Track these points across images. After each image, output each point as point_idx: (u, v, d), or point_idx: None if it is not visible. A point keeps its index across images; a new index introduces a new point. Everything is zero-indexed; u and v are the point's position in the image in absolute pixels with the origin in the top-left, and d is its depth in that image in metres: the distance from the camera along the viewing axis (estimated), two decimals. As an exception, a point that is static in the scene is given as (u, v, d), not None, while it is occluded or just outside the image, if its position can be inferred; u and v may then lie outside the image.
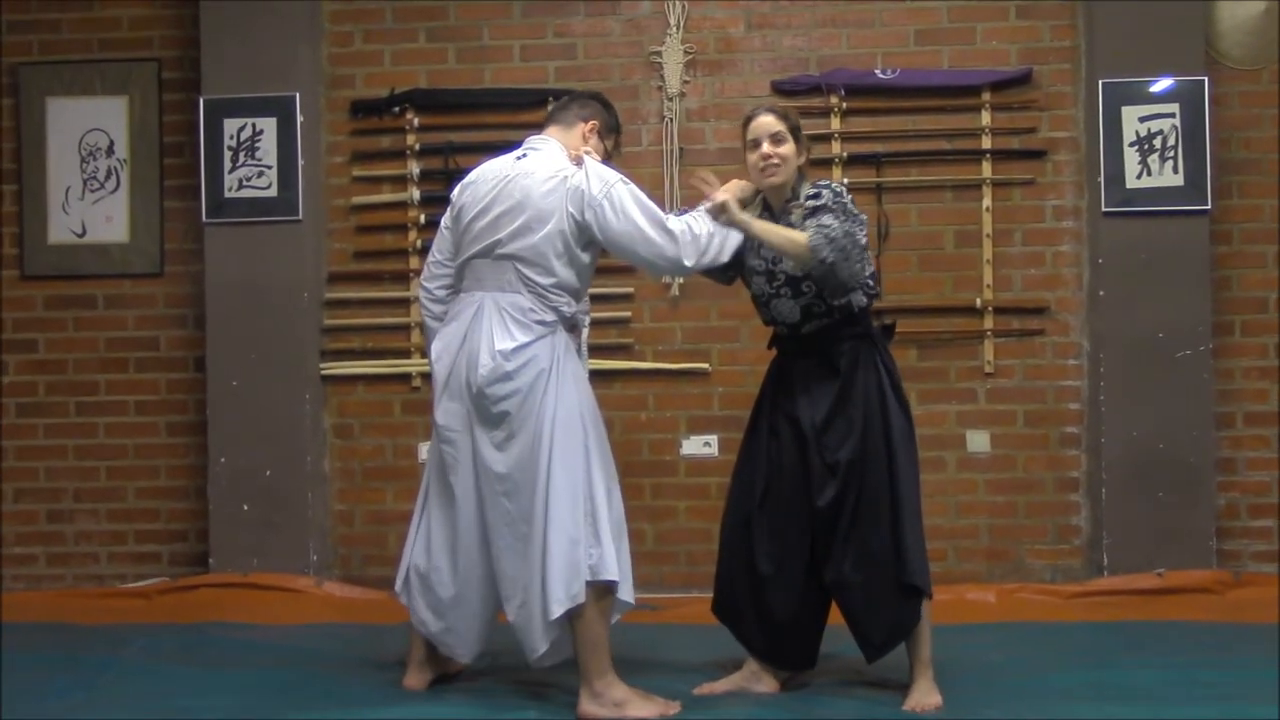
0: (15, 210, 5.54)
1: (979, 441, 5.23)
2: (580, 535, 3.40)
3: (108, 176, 5.50)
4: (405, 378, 5.36)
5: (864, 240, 3.54)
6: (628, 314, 5.30)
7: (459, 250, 3.64)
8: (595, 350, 5.17)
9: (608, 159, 3.74)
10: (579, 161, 3.53)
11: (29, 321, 5.55)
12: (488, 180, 3.60)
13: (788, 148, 3.62)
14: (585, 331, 3.70)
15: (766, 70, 5.30)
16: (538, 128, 3.86)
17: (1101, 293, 5.06)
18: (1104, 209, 5.03)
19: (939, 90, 5.20)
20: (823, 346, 3.61)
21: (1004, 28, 5.22)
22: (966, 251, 5.22)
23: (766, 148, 3.60)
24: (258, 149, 5.26)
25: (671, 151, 5.28)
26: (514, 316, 3.47)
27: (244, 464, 5.23)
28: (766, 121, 3.63)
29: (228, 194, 5.26)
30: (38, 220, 5.52)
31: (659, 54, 5.30)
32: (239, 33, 5.25)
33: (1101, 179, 5.03)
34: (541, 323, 3.47)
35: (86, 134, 5.51)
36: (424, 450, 5.24)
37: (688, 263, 3.50)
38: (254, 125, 5.25)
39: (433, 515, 3.61)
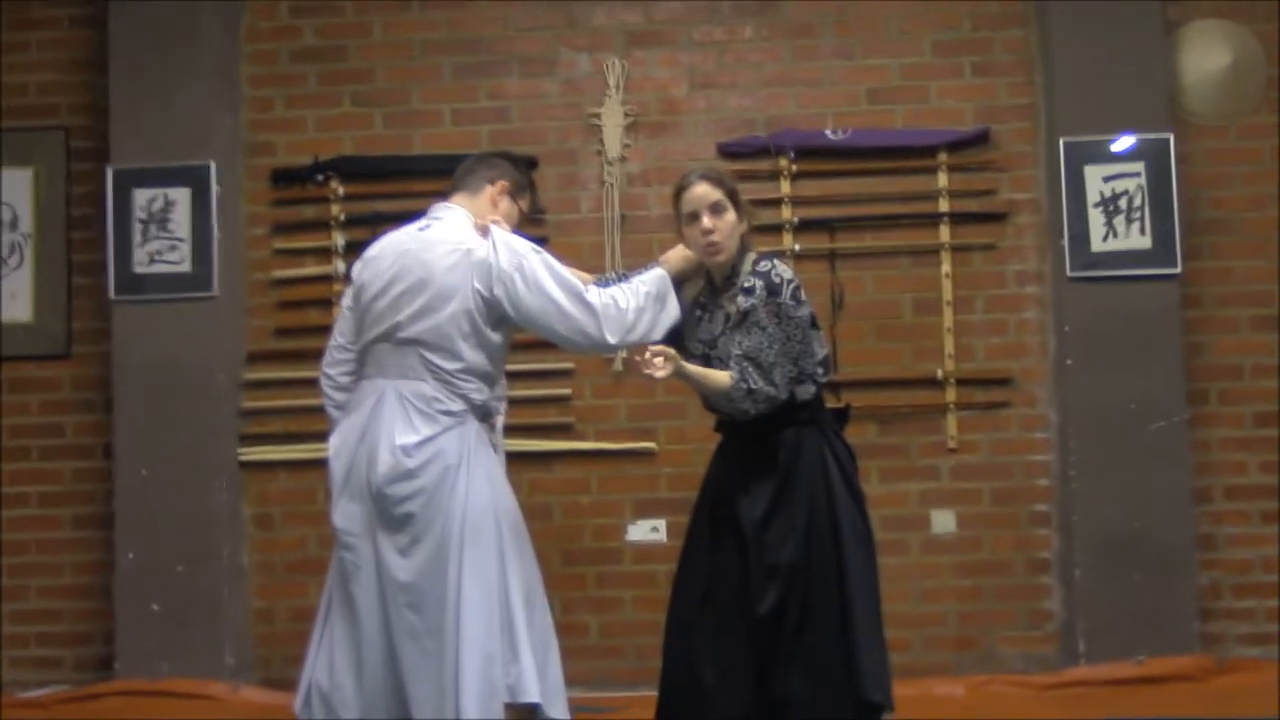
0: (-86, 290, 5.18)
1: (944, 522, 4.91)
2: (496, 651, 3.03)
3: (11, 252, 5.15)
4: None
5: (802, 337, 3.25)
6: (567, 391, 4.97)
7: (360, 333, 3.30)
8: (532, 430, 4.88)
9: (523, 222, 3.43)
10: (485, 231, 3.21)
11: (-75, 409, 5.17)
12: (388, 255, 3.27)
13: (729, 217, 3.31)
14: (500, 420, 3.35)
15: (711, 132, 5.03)
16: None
17: (1069, 362, 4.77)
18: (1069, 273, 4.76)
19: (893, 151, 4.94)
20: (763, 436, 3.29)
21: (959, 86, 4.98)
22: (926, 320, 4.93)
23: (707, 221, 3.29)
24: (170, 221, 4.93)
25: (612, 218, 4.98)
26: (417, 407, 3.12)
27: (154, 559, 4.84)
28: (702, 192, 3.31)
29: (137, 269, 4.92)
30: (-63, 300, 5.15)
31: (598, 116, 5.02)
32: (151, 99, 4.94)
33: (1065, 242, 4.76)
34: (448, 413, 3.13)
35: (-11, 207, 5.17)
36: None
37: (611, 339, 3.18)
38: (166, 196, 4.93)
39: (335, 628, 3.23)
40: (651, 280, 3.30)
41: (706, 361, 3.30)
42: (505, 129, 5.06)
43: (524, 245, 3.20)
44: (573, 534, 4.93)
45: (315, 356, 4.90)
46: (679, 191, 3.35)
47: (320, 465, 4.93)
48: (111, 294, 4.94)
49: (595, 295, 3.18)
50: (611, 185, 5.00)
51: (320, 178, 5.06)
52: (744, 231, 3.35)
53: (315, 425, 4.94)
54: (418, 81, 5.11)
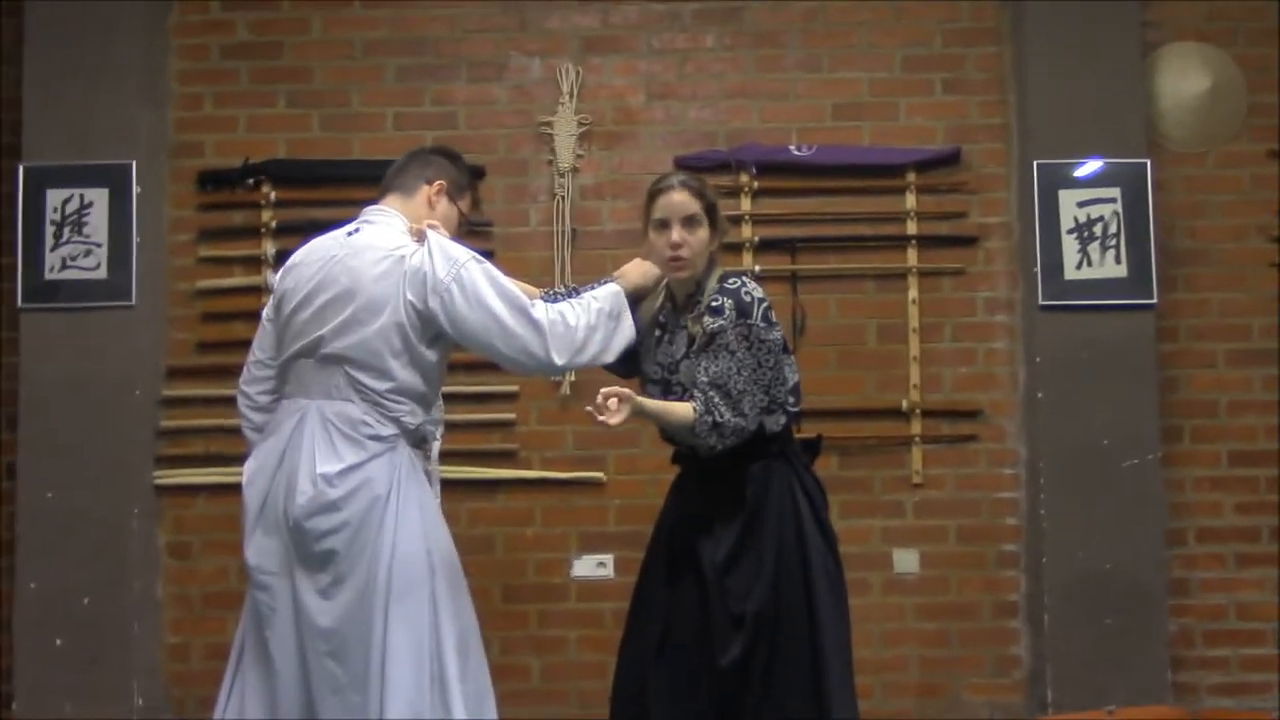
0: None
1: (907, 561, 4.65)
2: (425, 706, 2.72)
3: (-85, 257, 4.76)
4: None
5: (774, 363, 2.99)
6: (511, 415, 4.66)
7: (280, 348, 2.98)
8: (474, 457, 4.58)
9: (463, 225, 3.13)
10: (421, 237, 2.91)
11: None
12: (313, 262, 2.96)
13: (702, 234, 3.05)
14: (436, 446, 3.03)
15: (669, 144, 4.76)
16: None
17: (1039, 394, 4.54)
18: (1041, 302, 4.53)
19: (859, 170, 4.70)
20: (727, 470, 3.01)
21: (929, 103, 4.75)
22: (891, 348, 4.68)
23: (677, 234, 3.03)
24: (85, 224, 4.56)
25: (563, 233, 4.69)
26: (342, 430, 2.80)
27: (59, 589, 4.44)
28: (680, 201, 3.04)
29: (49, 275, 4.55)
30: None
31: (550, 124, 4.73)
32: (68, 93, 4.58)
33: (1038, 269, 4.53)
34: (376, 438, 2.81)
35: (-110, 207, 4.78)
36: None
37: (558, 360, 2.87)
38: (82, 197, 4.57)
39: (247, 676, 2.89)
40: (605, 296, 3.01)
41: (666, 387, 3.03)
42: (451, 135, 4.73)
43: (463, 253, 2.90)
44: (515, 568, 4.62)
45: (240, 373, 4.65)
46: (654, 194, 3.08)
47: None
48: (19, 301, 4.57)
49: (542, 311, 2.88)
50: (563, 198, 4.71)
51: (251, 181, 4.72)
52: (714, 249, 3.09)
53: (239, 447, 4.52)
54: (358, 83, 4.79)
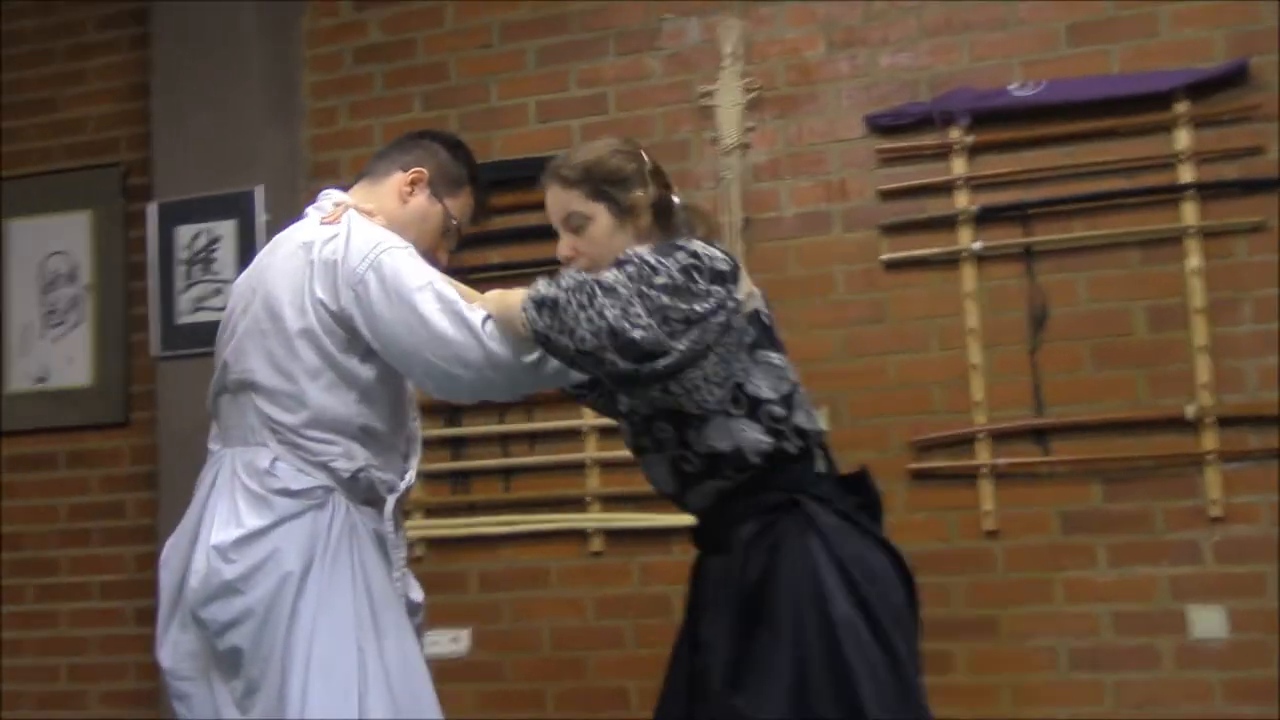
0: (-28, 355, 4.65)
1: (1209, 622, 3.44)
2: None
3: (70, 308, 4.54)
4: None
5: (685, 312, 2.01)
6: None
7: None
8: (642, 502, 3.79)
9: (452, 231, 2.39)
10: (336, 221, 2.20)
11: (-13, 487, 4.62)
12: (244, 277, 2.33)
13: (598, 227, 2.21)
14: (392, 501, 2.24)
15: (857, 103, 3.82)
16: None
17: (1388, 388, 3.25)
18: (1381, 259, 3.26)
19: (1107, 105, 3.57)
20: (719, 532, 2.12)
21: (1201, 8, 3.56)
22: (1167, 337, 3.52)
23: (565, 248, 2.24)
24: (214, 260, 4.16)
25: (732, 224, 3.85)
26: (246, 486, 2.12)
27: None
28: (552, 202, 2.26)
29: (180, 319, 4.18)
30: (-4, 365, 4.60)
31: (711, 95, 3.91)
32: (196, 120, 4.22)
33: (1372, 214, 3.26)
34: (286, 492, 2.09)
35: (48, 258, 4.58)
36: (429, 643, 3.95)
37: (498, 375, 2.08)
38: (210, 231, 4.18)
39: None
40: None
41: (629, 421, 2.24)
42: (600, 121, 4.03)
43: (387, 237, 2.18)
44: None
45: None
46: None
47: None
48: (155, 350, 4.22)
49: (478, 313, 2.10)
50: (730, 181, 3.87)
51: (392, 199, 4.19)
52: (643, 227, 2.22)
53: None
54: (496, 74, 4.16)
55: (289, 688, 2.01)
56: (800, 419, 2.14)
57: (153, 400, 4.38)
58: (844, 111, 3.83)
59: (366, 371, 2.15)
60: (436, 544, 4.05)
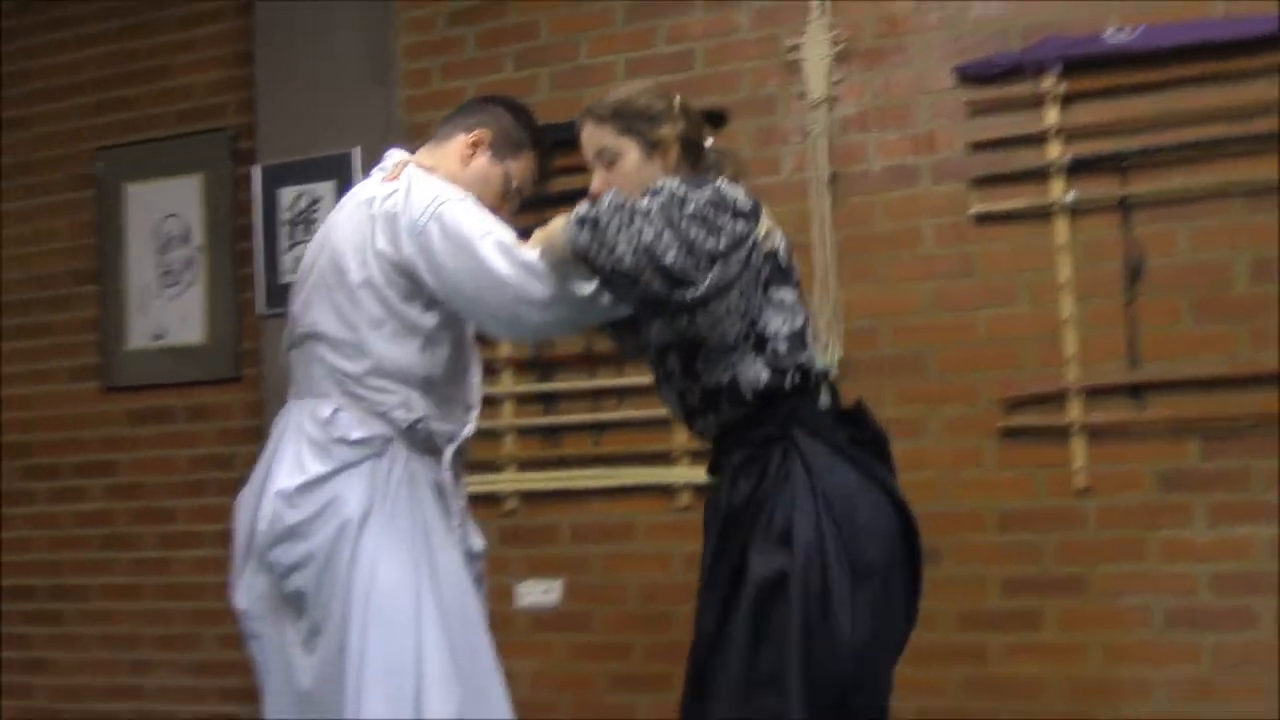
0: (95, 314, 4.87)
1: (1309, 583, 3.34)
2: None
3: (184, 268, 4.72)
4: (495, 498, 4.15)
5: (711, 246, 2.10)
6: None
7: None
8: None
9: (512, 193, 2.44)
10: (397, 177, 2.27)
11: (109, 440, 4.84)
12: (317, 233, 2.42)
13: (628, 161, 2.30)
14: (450, 451, 2.31)
15: (946, 54, 3.74)
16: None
17: None
18: None
19: (1207, 50, 3.44)
20: (716, 464, 2.28)
21: (1311, -58, 3.41)
22: (1270, 290, 3.39)
23: (597, 182, 2.32)
24: (314, 221, 4.28)
25: (819, 179, 3.81)
26: (309, 434, 2.22)
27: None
28: (586, 137, 2.36)
29: (284, 278, 4.30)
30: (117, 323, 4.80)
31: (798, 49, 3.88)
32: (297, 84, 4.34)
33: None
34: (345, 441, 2.18)
35: (164, 221, 4.77)
36: (522, 593, 4.06)
37: (556, 311, 2.17)
38: (310, 193, 4.30)
39: None
40: None
41: (656, 353, 2.32)
42: (687, 78, 4.01)
43: (447, 190, 2.25)
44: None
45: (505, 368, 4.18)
46: None
47: (483, 501, 4.19)
48: (261, 308, 4.37)
49: (534, 254, 2.18)
50: (817, 135, 3.83)
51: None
52: (671, 163, 2.30)
53: (476, 453, 4.17)
54: (586, 31, 4.18)
55: (349, 631, 2.11)
56: (804, 356, 2.21)
57: (256, 357, 4.55)
58: (932, 63, 3.76)
59: (427, 321, 2.23)
60: (528, 497, 4.13)
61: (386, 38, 4.40)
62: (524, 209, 2.68)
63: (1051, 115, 3.59)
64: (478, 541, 2.40)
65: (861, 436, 2.25)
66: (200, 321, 4.69)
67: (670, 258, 2.03)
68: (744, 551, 2.08)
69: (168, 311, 4.73)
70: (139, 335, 4.77)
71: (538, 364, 4.14)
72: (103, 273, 4.83)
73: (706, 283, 2.08)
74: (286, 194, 4.33)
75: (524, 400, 4.17)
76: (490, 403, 4.14)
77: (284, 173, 4.33)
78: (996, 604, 3.60)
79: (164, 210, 4.75)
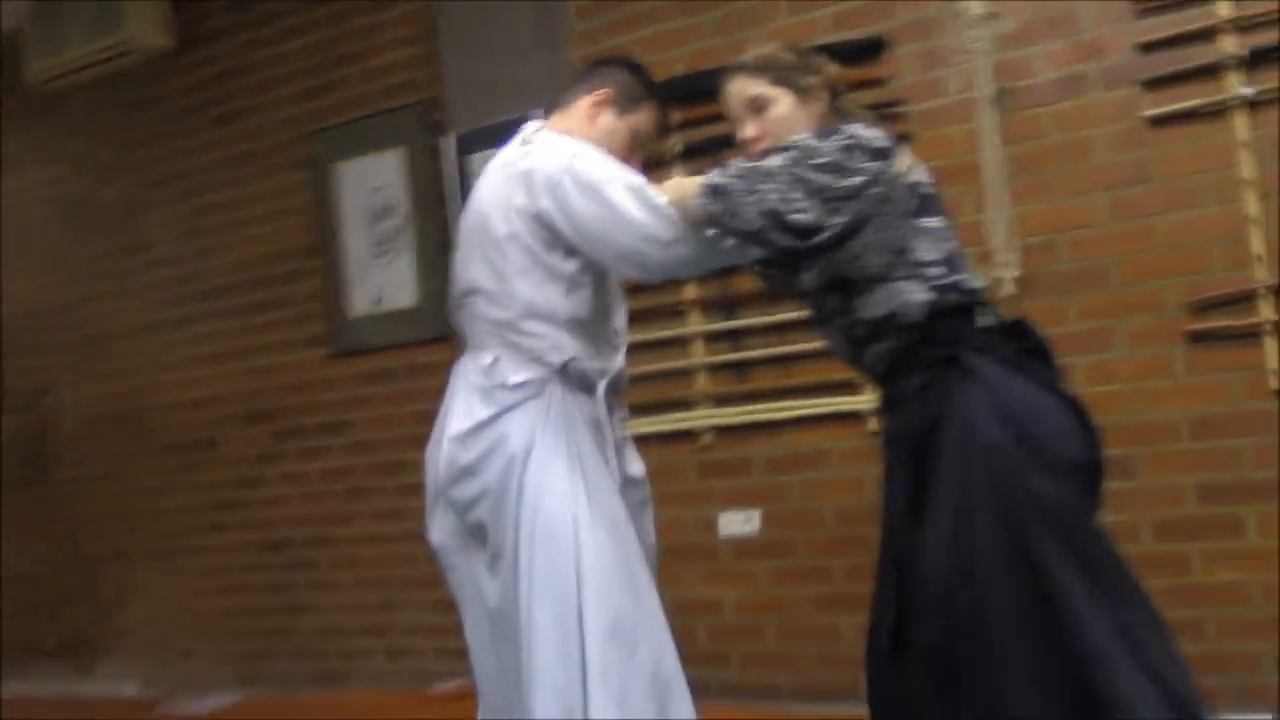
0: (319, 286, 5.28)
1: None
2: (575, 702, 2.28)
3: (394, 237, 5.06)
4: (689, 435, 4.33)
5: (843, 185, 2.22)
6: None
7: None
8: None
9: (638, 144, 2.59)
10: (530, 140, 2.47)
11: (343, 402, 5.27)
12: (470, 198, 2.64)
13: (781, 107, 2.42)
14: (602, 386, 2.49)
15: (1109, -46, 3.66)
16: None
17: None
18: None
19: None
20: (891, 396, 2.34)
21: None
22: None
23: (750, 129, 2.45)
24: (504, 184, 4.52)
25: (983, 97, 3.79)
26: (474, 382, 2.47)
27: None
28: (737, 89, 2.48)
29: (478, 242, 4.58)
30: (340, 293, 5.21)
31: (956, -33, 3.86)
32: (477, 54, 4.59)
33: None
34: (505, 386, 2.40)
35: (372, 194, 5.12)
36: (724, 522, 4.25)
37: (688, 250, 2.32)
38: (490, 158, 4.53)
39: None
40: None
41: (813, 296, 2.43)
42: (848, 8, 4.06)
43: (578, 145, 2.45)
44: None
45: (669, 313, 4.36)
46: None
47: (679, 438, 4.38)
48: (458, 273, 4.67)
49: (661, 197, 2.35)
50: (980, 52, 3.81)
51: (656, 109, 4.40)
52: (818, 111, 2.42)
53: (672, 392, 4.36)
54: (745, -27, 4.27)
55: (520, 554, 2.36)
56: (959, 278, 2.29)
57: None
58: (1095, -35, 3.68)
59: (569, 267, 2.42)
60: (723, 431, 4.30)
61: (559, 1, 4.58)
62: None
63: (1223, 8, 3.47)
64: (636, 467, 2.60)
65: (1028, 348, 2.31)
66: (411, 286, 5.03)
67: (797, 214, 2.18)
68: (936, 475, 2.16)
69: (383, 278, 5.09)
70: (361, 302, 5.15)
71: (723, 302, 4.28)
72: (324, 247, 5.22)
73: (838, 224, 2.21)
74: (476, 160, 4.57)
75: (712, 339, 4.32)
76: (680, 343, 4.35)
77: (472, 140, 4.59)
78: (1194, 511, 3.55)
79: (372, 184, 5.10)
